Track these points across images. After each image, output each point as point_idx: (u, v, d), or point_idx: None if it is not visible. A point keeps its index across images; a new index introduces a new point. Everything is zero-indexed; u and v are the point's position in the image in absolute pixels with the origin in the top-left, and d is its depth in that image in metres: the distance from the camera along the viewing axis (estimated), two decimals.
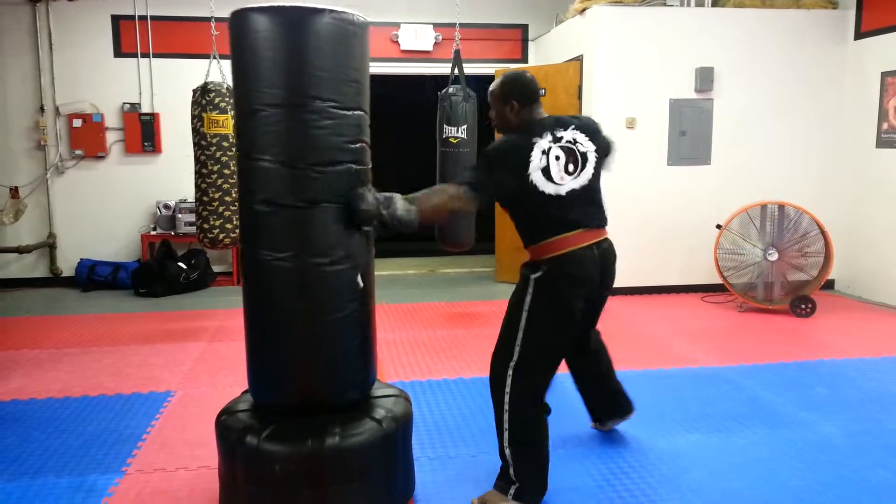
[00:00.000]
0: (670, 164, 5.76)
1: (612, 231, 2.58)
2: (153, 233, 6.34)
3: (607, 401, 2.97)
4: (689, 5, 5.78)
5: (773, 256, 5.14)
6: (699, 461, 2.79)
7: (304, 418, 2.28)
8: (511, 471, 2.39)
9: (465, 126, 5.00)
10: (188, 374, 3.87)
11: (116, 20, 6.26)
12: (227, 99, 4.57)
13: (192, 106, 4.60)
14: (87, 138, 6.27)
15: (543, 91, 3.28)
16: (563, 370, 2.54)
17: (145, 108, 6.35)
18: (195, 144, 4.61)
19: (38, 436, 3.04)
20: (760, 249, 5.20)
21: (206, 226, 4.60)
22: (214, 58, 4.60)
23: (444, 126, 5.03)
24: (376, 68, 6.81)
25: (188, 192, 5.87)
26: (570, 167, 2.38)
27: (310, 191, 2.17)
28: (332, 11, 2.15)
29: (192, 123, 4.62)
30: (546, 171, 2.34)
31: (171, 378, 3.79)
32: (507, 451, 2.39)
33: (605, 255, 2.48)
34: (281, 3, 2.13)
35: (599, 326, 2.86)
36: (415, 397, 3.30)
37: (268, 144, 2.17)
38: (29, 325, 4.99)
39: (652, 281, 5.81)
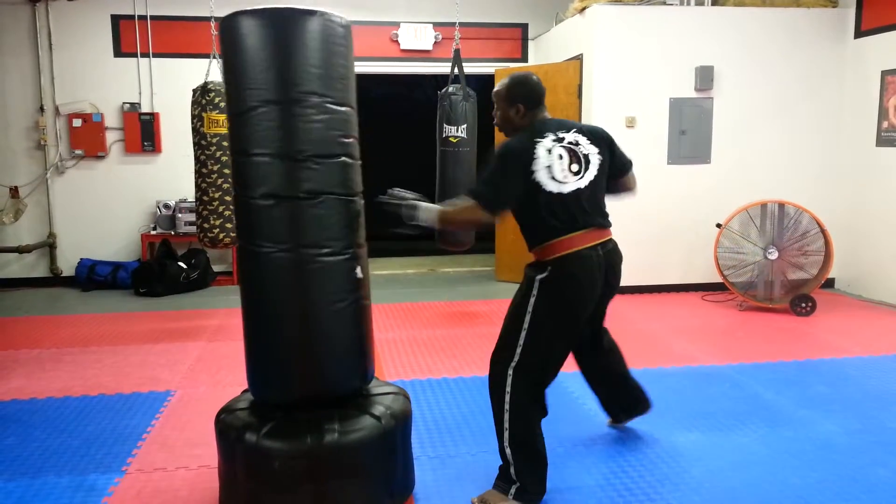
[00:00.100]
0: (670, 163, 5.76)
1: (612, 230, 2.58)
2: (153, 232, 6.34)
3: (626, 398, 2.97)
4: (688, 4, 5.78)
5: (773, 255, 5.14)
6: (699, 460, 2.79)
7: (303, 415, 2.28)
8: (511, 470, 2.39)
9: (464, 125, 5.00)
10: (188, 373, 3.87)
11: (116, 20, 6.26)
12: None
13: (192, 106, 4.61)
14: (86, 138, 6.27)
15: None
16: (563, 370, 2.54)
17: (145, 108, 6.35)
18: (195, 144, 4.62)
19: (39, 435, 3.04)
20: (760, 248, 5.20)
21: (206, 225, 4.61)
22: (214, 57, 4.60)
23: (444, 125, 5.03)
24: (376, 68, 6.91)
25: (188, 192, 5.87)
26: (574, 167, 2.40)
27: (311, 182, 2.22)
28: (321, 13, 2.22)
29: (192, 123, 4.62)
30: (550, 170, 2.36)
31: (171, 377, 3.79)
32: (508, 451, 2.39)
33: (609, 256, 2.49)
34: (271, 6, 2.20)
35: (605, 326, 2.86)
36: (415, 396, 3.30)
37: (267, 139, 2.21)
38: (29, 324, 4.99)
39: (652, 280, 5.81)
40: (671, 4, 5.74)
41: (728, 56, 5.69)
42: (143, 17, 6.25)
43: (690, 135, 5.75)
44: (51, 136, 6.26)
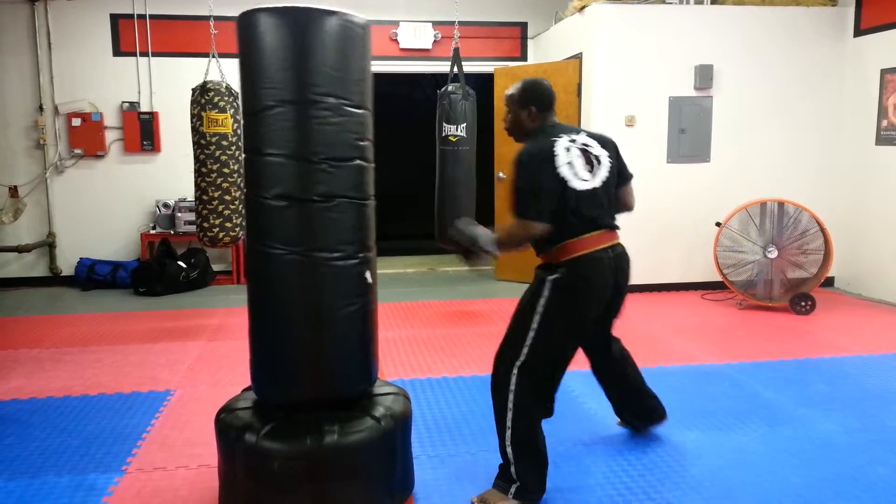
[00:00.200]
0: (670, 161, 5.76)
1: None
2: (153, 232, 6.34)
3: (641, 408, 2.96)
4: (688, 3, 5.78)
5: (773, 254, 5.14)
6: (699, 458, 2.79)
7: (303, 416, 2.28)
8: (512, 469, 2.39)
9: (464, 124, 5.00)
10: (188, 372, 3.87)
11: (115, 19, 6.25)
12: (226, 98, 4.57)
13: (192, 105, 4.61)
14: (86, 137, 6.27)
15: None
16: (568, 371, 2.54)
17: (144, 107, 6.34)
18: (195, 143, 4.62)
19: (38, 435, 3.04)
20: (760, 247, 5.20)
21: (206, 224, 4.61)
22: (213, 57, 4.60)
23: (444, 124, 5.03)
24: (375, 67, 6.84)
25: (187, 191, 5.86)
26: (588, 167, 2.44)
27: (325, 185, 2.20)
28: (339, 13, 2.19)
29: (192, 122, 4.62)
30: (571, 167, 2.39)
31: (170, 377, 3.79)
32: (509, 450, 2.39)
33: (619, 259, 2.53)
34: (286, 4, 2.17)
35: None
36: (414, 395, 3.30)
37: (282, 140, 2.19)
38: (28, 324, 4.99)
39: (652, 279, 5.81)
40: (670, 3, 5.74)
41: (727, 55, 5.69)
42: (142, 17, 6.25)
43: (690, 133, 5.75)
44: (50, 135, 6.26)
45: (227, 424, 2.31)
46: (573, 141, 2.45)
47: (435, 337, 4.57)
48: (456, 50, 5.09)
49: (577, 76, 5.83)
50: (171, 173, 6.33)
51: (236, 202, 4.64)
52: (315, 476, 2.19)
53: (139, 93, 6.33)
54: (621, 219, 2.62)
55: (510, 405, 2.38)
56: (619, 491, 2.53)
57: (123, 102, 6.31)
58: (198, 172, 4.60)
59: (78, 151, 6.28)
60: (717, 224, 5.28)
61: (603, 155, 2.51)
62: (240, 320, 4.82)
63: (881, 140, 5.50)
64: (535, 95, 2.52)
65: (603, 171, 2.48)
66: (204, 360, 4.09)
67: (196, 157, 4.62)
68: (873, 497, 2.48)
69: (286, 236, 2.22)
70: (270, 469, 2.17)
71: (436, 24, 6.61)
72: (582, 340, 2.54)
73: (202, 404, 3.35)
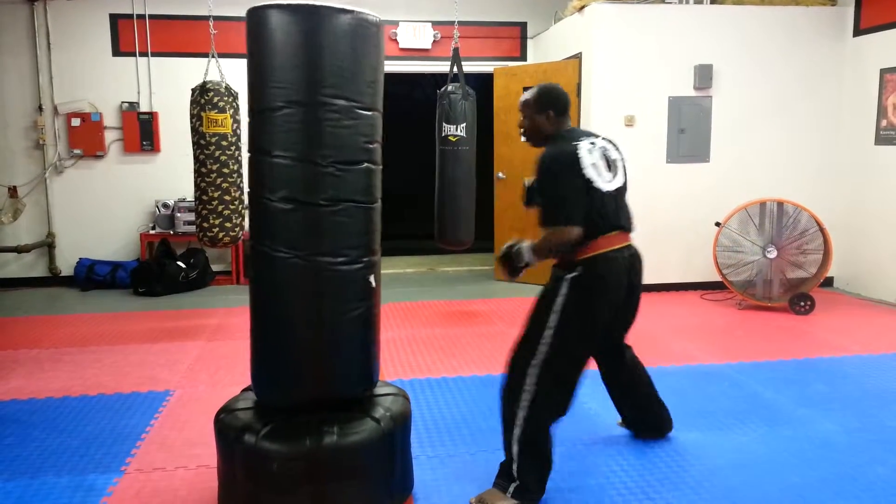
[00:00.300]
0: (669, 161, 5.76)
1: None
2: (152, 232, 6.34)
3: (649, 417, 2.96)
4: (687, 2, 5.78)
5: (772, 254, 5.14)
6: (698, 459, 2.79)
7: (302, 417, 2.27)
8: (514, 467, 2.39)
9: (464, 124, 5.00)
10: (187, 373, 3.87)
11: (115, 19, 6.25)
12: (225, 98, 4.57)
13: (191, 105, 4.60)
14: (85, 137, 6.26)
15: None
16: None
17: (144, 107, 6.34)
18: (194, 144, 4.61)
19: (38, 435, 3.04)
20: (759, 247, 5.20)
21: (205, 225, 4.60)
22: (213, 57, 4.60)
23: (444, 124, 5.03)
24: None
25: (187, 191, 5.86)
26: (609, 168, 2.48)
27: (333, 189, 2.17)
28: (353, 11, 2.14)
29: (191, 123, 4.62)
30: (595, 168, 2.42)
31: (170, 377, 3.79)
32: (515, 448, 2.39)
33: (634, 259, 2.58)
34: (297, 1, 2.10)
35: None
36: (414, 396, 3.30)
37: (290, 141, 2.15)
38: (28, 324, 4.99)
39: (651, 279, 5.74)
40: (670, 3, 5.73)
41: (727, 54, 5.69)
42: (141, 17, 6.24)
43: (689, 133, 5.75)
44: (49, 135, 6.25)
45: (226, 425, 2.31)
46: (593, 144, 2.47)
47: (434, 337, 4.57)
48: (455, 50, 5.08)
49: (576, 76, 5.83)
50: (171, 173, 6.32)
51: (236, 202, 4.64)
52: (314, 477, 2.18)
53: (139, 93, 6.32)
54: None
55: (523, 403, 2.38)
56: (619, 491, 2.54)
57: (123, 102, 6.31)
58: (197, 172, 4.60)
59: (77, 151, 6.28)
60: (717, 224, 5.28)
61: (618, 158, 2.55)
62: (239, 320, 4.83)
63: (880, 140, 5.50)
64: (552, 99, 2.55)
65: (619, 175, 2.53)
66: (203, 360, 4.09)
67: (195, 158, 4.61)
68: (873, 497, 2.48)
69: (291, 239, 2.19)
70: (270, 470, 2.17)
71: (435, 23, 6.61)
72: (598, 340, 2.54)
73: (201, 404, 3.35)
